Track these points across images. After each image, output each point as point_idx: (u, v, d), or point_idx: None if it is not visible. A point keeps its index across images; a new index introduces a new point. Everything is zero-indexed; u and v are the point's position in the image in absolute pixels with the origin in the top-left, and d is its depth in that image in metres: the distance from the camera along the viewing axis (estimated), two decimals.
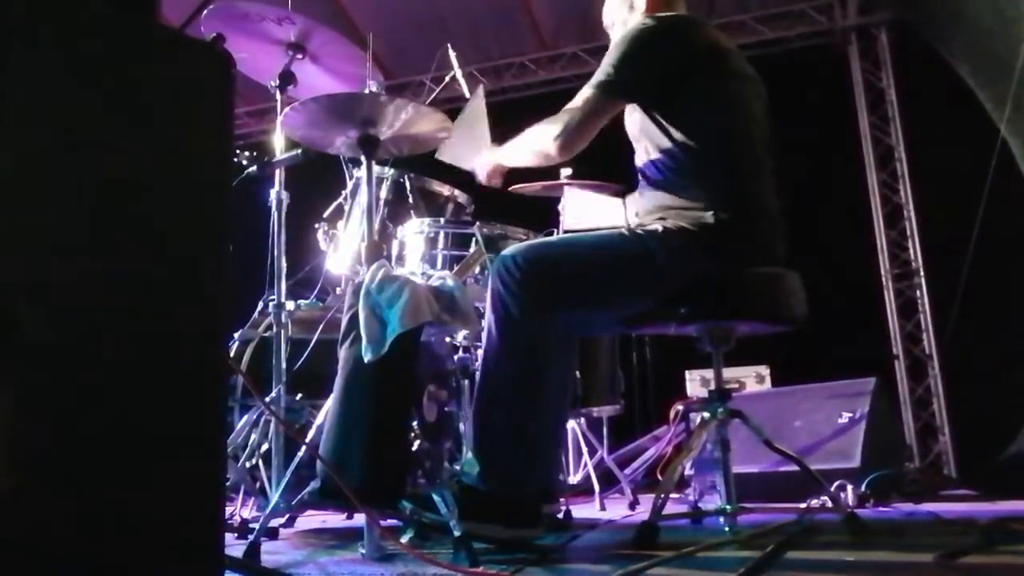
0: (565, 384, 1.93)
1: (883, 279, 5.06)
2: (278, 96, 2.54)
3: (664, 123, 1.97)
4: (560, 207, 2.81)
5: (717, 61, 2.00)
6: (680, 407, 3.28)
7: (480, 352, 1.96)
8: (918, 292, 5.01)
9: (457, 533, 1.63)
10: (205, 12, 2.23)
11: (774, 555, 1.36)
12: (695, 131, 1.93)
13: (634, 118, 2.06)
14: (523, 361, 1.82)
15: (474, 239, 2.32)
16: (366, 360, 1.74)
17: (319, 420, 1.97)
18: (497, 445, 1.81)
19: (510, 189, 3.18)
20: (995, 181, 3.81)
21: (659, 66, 1.97)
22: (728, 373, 3.78)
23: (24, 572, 0.89)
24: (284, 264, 2.44)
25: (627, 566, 1.40)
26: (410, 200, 2.57)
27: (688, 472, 2.78)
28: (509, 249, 1.90)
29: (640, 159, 2.07)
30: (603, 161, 2.50)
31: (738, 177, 1.95)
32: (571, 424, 3.38)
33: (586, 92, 1.98)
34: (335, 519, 2.72)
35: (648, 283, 1.88)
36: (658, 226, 1.89)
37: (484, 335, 1.89)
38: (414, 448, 1.84)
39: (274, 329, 2.36)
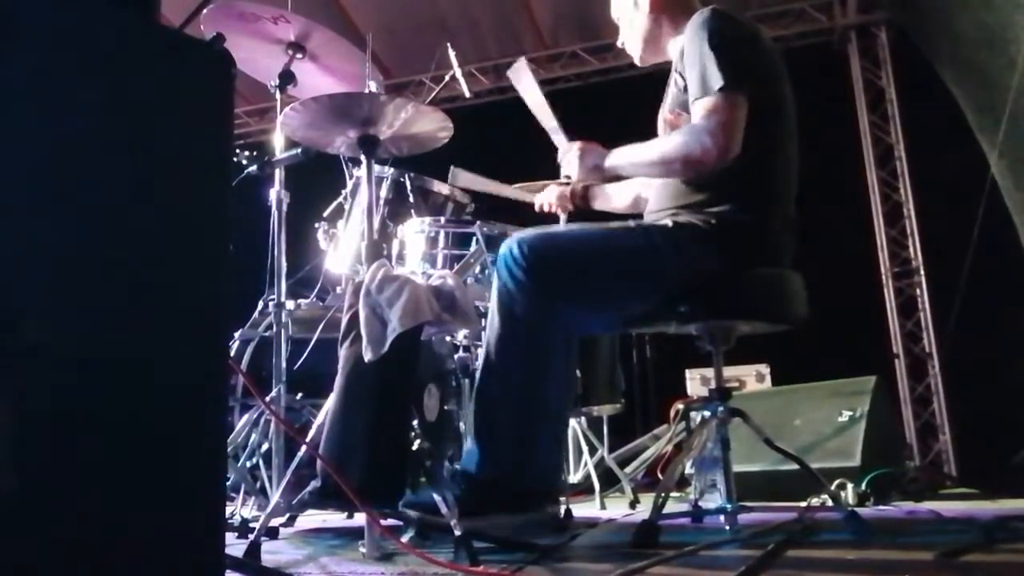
0: (567, 374, 1.92)
1: (883, 277, 5.07)
2: (278, 96, 2.54)
3: None
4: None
5: (781, 64, 1.97)
6: (680, 406, 3.29)
7: (481, 345, 1.95)
8: (918, 290, 5.01)
9: (458, 532, 1.62)
10: (204, 12, 2.23)
11: (775, 554, 1.35)
12: (752, 135, 1.80)
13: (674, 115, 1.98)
14: (526, 348, 1.82)
15: (474, 238, 2.32)
16: (366, 359, 1.74)
17: (319, 419, 1.97)
18: (498, 428, 1.81)
19: (514, 187, 3.17)
20: (995, 179, 3.82)
21: (756, 54, 1.90)
22: (728, 372, 3.78)
23: (25, 572, 0.89)
24: (284, 263, 2.44)
25: (628, 565, 1.39)
26: (410, 199, 2.57)
27: (688, 471, 2.77)
28: (516, 235, 1.87)
29: None
30: None
31: (773, 183, 1.93)
32: (571, 423, 3.38)
33: (708, 100, 1.79)
34: (335, 519, 2.72)
35: (652, 278, 1.87)
36: (668, 221, 1.88)
37: (488, 321, 1.88)
38: (414, 447, 1.84)
39: (274, 328, 2.36)
